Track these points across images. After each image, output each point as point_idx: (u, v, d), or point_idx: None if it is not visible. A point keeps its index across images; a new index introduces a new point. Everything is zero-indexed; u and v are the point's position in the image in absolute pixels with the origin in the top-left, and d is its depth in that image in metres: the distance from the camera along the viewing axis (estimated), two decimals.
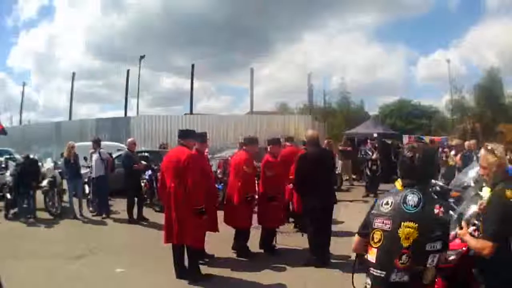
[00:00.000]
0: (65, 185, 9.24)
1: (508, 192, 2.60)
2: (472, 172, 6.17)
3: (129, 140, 9.44)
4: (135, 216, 8.44)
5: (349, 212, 8.15)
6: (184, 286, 4.81)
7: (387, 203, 2.14)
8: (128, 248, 6.41)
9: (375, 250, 2.12)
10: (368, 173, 11.75)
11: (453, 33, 57.32)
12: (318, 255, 5.42)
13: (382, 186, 10.90)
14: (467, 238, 2.77)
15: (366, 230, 2.24)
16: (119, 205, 9.86)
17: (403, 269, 2.05)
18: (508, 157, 10.82)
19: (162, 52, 53.13)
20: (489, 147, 2.86)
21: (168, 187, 5.04)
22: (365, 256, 2.21)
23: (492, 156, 2.78)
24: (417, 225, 2.05)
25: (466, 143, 9.89)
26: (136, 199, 8.61)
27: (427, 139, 20.19)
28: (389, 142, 16.10)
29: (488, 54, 49.22)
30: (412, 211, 2.07)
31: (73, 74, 28.89)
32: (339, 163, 14.03)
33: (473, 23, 63.14)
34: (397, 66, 52.79)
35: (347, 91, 35.60)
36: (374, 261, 2.13)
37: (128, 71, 27.56)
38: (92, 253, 6.09)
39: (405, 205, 2.09)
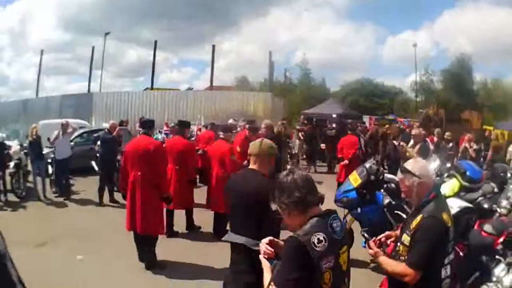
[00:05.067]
0: (29, 166, 9.09)
1: (444, 215, 2.34)
2: (434, 164, 6.36)
3: (111, 122, 9.25)
4: (105, 199, 8.40)
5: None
6: (141, 272, 4.93)
7: (320, 241, 1.84)
8: (89, 234, 6.34)
9: None
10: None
11: (426, 15, 57.02)
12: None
13: None
14: (381, 260, 2.46)
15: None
16: (80, 184, 9.91)
17: None
18: (473, 147, 10.50)
19: (129, 25, 52.00)
20: (404, 168, 2.51)
21: (133, 176, 5.05)
22: None
23: (410, 177, 2.44)
24: (346, 246, 1.98)
25: (423, 132, 8.75)
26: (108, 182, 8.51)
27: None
28: (349, 122, 15.92)
29: (460, 39, 49.19)
30: (342, 235, 1.95)
31: (42, 51, 29.33)
32: (296, 143, 13.81)
33: (448, 7, 62.80)
34: (364, 45, 51.64)
35: (307, 67, 34.23)
36: None
37: (93, 47, 27.74)
38: (53, 239, 6.03)
39: (335, 234, 1.91)
